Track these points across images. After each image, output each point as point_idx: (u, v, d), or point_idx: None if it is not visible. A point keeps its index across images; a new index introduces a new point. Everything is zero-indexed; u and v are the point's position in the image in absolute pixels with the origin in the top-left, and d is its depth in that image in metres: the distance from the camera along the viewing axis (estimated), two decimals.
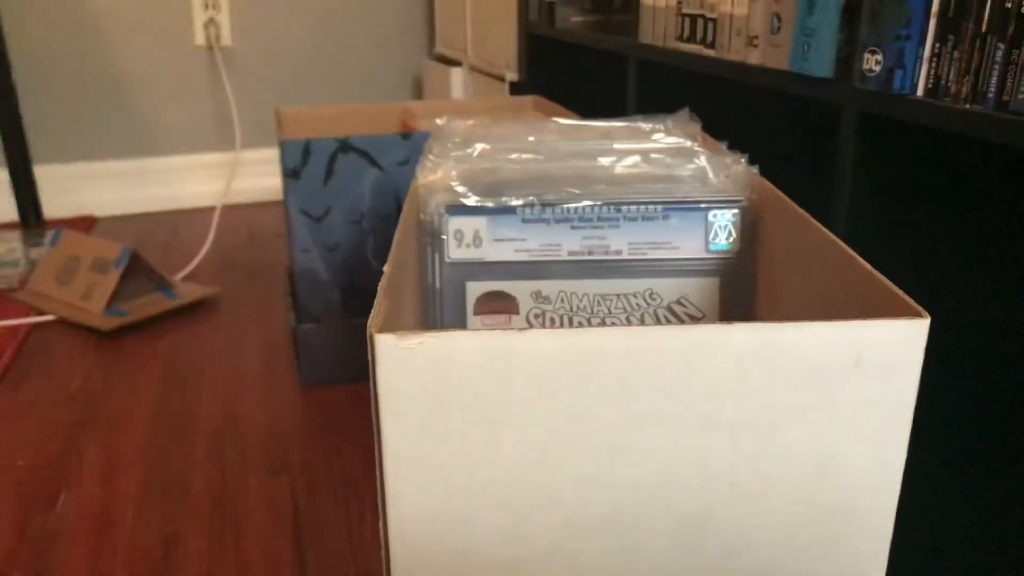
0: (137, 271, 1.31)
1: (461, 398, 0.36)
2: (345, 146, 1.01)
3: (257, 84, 1.90)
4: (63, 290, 1.34)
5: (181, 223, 1.81)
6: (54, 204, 1.80)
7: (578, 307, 0.57)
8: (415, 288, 0.54)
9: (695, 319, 0.57)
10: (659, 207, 0.56)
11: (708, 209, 0.56)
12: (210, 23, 1.86)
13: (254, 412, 1.05)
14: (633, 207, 0.56)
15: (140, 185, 1.88)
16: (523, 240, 0.57)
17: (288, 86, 1.91)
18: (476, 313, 0.58)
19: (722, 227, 0.56)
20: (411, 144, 1.02)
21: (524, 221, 0.57)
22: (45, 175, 1.78)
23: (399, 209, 0.83)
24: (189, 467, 0.93)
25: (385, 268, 0.43)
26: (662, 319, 0.57)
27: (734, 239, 0.56)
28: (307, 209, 1.03)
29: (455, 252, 0.56)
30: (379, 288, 0.40)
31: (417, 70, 2.08)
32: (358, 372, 1.11)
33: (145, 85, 1.86)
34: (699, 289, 0.57)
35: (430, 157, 0.64)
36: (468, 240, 0.57)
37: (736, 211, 0.56)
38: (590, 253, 0.57)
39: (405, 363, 0.35)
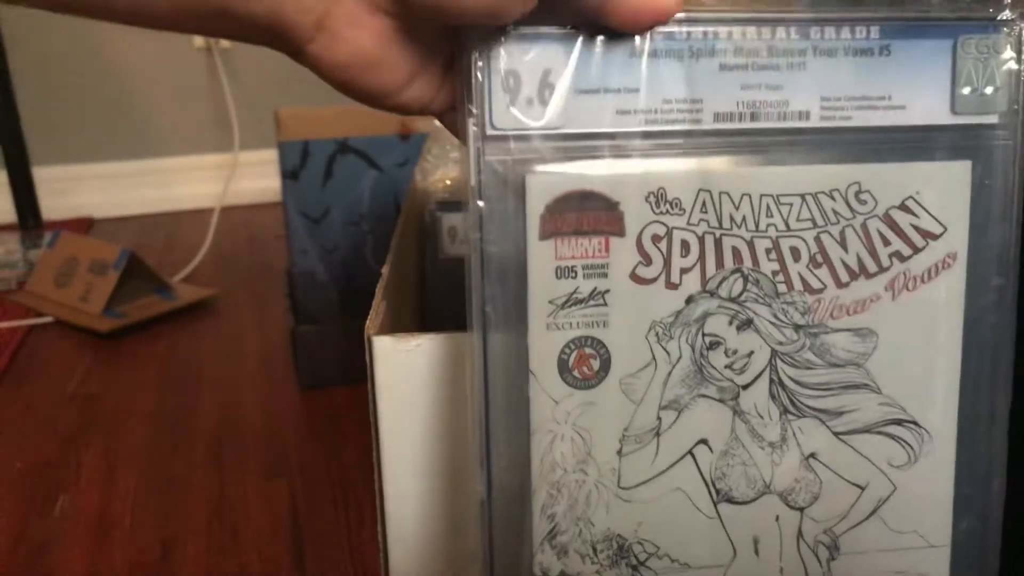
0: (135, 272, 1.31)
1: (459, 399, 0.36)
2: (344, 147, 1.01)
3: (256, 85, 1.90)
4: (61, 292, 1.33)
5: (179, 224, 1.81)
6: (52, 205, 1.80)
7: (732, 220, 0.34)
8: (415, 289, 0.54)
9: (931, 235, 0.35)
10: (875, 30, 0.34)
11: (959, 31, 0.34)
12: None
13: (253, 414, 1.05)
14: (831, 31, 0.33)
15: (138, 186, 1.87)
16: (634, 91, 0.33)
17: (287, 86, 1.90)
18: (547, 235, 0.33)
19: (980, 65, 0.34)
20: (410, 145, 1.02)
21: (637, 55, 0.32)
22: (43, 176, 1.77)
23: (398, 210, 0.83)
24: (187, 469, 0.93)
25: (383, 269, 0.43)
26: (876, 238, 0.35)
27: (1000, 88, 0.34)
28: (306, 210, 1.03)
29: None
30: (377, 290, 0.40)
31: None
32: (357, 374, 1.10)
33: (144, 86, 1.85)
34: (940, 181, 0.35)
35: (428, 158, 0.64)
36: (527, 93, 0.32)
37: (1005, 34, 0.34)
38: (753, 116, 0.34)
39: (403, 365, 0.35)
